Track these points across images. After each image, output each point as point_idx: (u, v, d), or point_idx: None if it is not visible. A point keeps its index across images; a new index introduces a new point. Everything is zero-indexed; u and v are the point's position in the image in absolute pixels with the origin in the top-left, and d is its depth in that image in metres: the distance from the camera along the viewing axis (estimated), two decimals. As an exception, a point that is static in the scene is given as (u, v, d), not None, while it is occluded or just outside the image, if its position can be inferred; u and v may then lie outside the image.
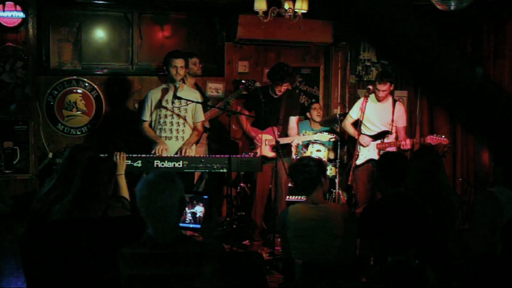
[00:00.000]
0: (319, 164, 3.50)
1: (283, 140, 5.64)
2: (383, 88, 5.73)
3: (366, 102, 5.79)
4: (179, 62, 5.26)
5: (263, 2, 5.60)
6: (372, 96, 5.84)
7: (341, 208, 3.65)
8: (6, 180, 5.69)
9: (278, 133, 5.56)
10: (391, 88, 5.83)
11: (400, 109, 5.88)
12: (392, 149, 5.74)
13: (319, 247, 3.33)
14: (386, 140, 5.85)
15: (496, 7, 5.85)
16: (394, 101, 5.90)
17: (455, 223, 3.66)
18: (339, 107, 7.56)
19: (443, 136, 5.72)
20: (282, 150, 5.54)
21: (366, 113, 5.78)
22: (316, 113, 6.86)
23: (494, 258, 2.78)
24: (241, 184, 6.29)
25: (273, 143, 5.60)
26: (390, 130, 5.83)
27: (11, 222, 5.20)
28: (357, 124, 5.93)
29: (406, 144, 5.69)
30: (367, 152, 5.86)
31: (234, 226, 5.75)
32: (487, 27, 6.02)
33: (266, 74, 6.32)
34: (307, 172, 3.43)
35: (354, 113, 6.02)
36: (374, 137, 5.90)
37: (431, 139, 5.69)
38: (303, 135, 6.70)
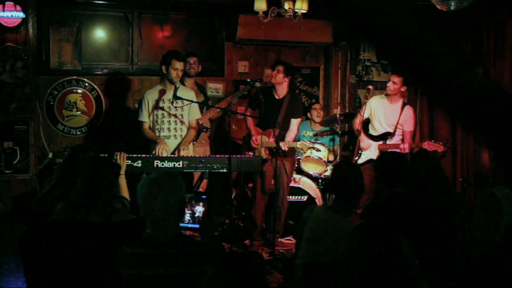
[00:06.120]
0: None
1: (267, 144, 5.61)
2: (395, 79, 5.80)
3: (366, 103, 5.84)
4: (180, 65, 5.23)
5: (263, 2, 5.59)
6: (382, 95, 5.90)
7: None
8: (6, 180, 5.69)
9: (275, 136, 5.54)
10: (403, 89, 5.85)
11: (408, 112, 5.86)
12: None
13: (325, 253, 3.26)
14: (388, 142, 5.84)
15: (496, 7, 5.84)
16: (404, 104, 5.89)
17: (457, 225, 3.66)
18: (339, 107, 7.56)
19: (440, 143, 5.71)
20: (283, 150, 5.52)
21: (375, 111, 5.85)
22: (316, 114, 6.85)
23: (494, 258, 2.78)
24: (249, 185, 6.26)
25: (269, 145, 5.58)
26: (392, 132, 5.83)
27: (11, 222, 5.19)
28: (364, 123, 5.97)
29: (405, 148, 5.68)
30: (368, 152, 5.87)
31: (234, 226, 5.75)
32: (487, 27, 6.00)
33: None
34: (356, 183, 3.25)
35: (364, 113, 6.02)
36: (376, 138, 5.89)
37: (428, 145, 5.68)
38: (304, 135, 6.72)
